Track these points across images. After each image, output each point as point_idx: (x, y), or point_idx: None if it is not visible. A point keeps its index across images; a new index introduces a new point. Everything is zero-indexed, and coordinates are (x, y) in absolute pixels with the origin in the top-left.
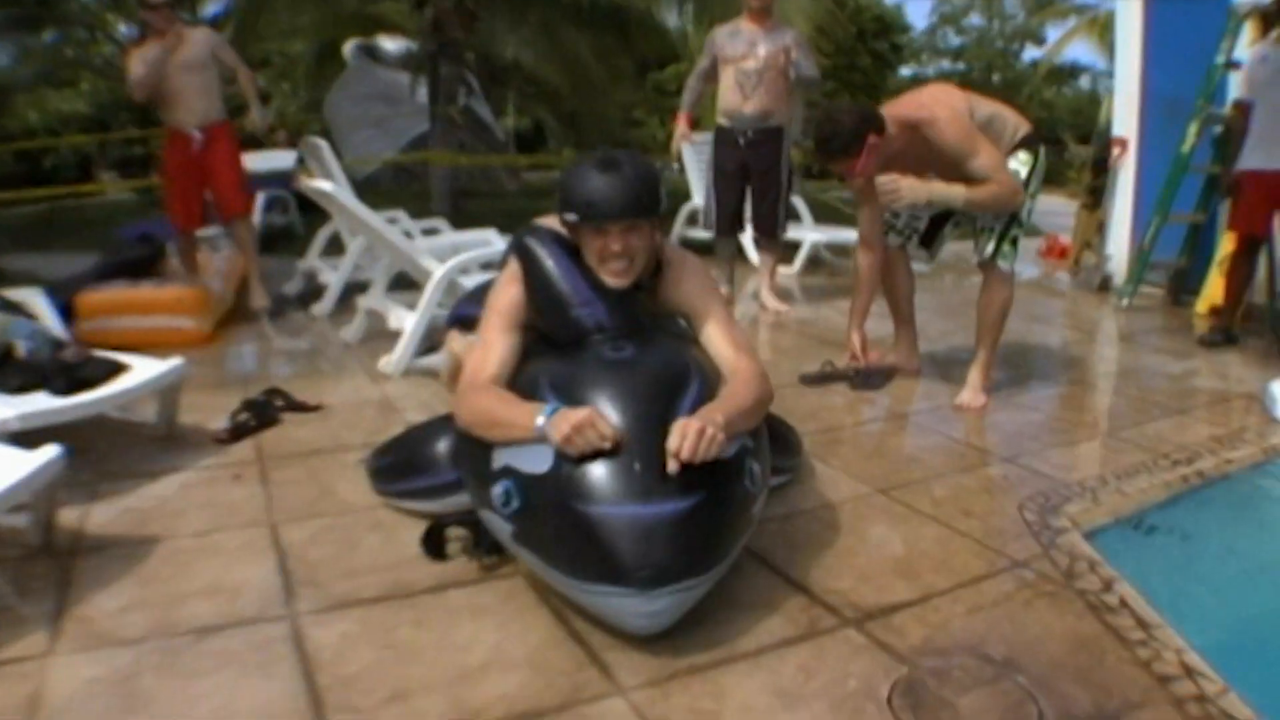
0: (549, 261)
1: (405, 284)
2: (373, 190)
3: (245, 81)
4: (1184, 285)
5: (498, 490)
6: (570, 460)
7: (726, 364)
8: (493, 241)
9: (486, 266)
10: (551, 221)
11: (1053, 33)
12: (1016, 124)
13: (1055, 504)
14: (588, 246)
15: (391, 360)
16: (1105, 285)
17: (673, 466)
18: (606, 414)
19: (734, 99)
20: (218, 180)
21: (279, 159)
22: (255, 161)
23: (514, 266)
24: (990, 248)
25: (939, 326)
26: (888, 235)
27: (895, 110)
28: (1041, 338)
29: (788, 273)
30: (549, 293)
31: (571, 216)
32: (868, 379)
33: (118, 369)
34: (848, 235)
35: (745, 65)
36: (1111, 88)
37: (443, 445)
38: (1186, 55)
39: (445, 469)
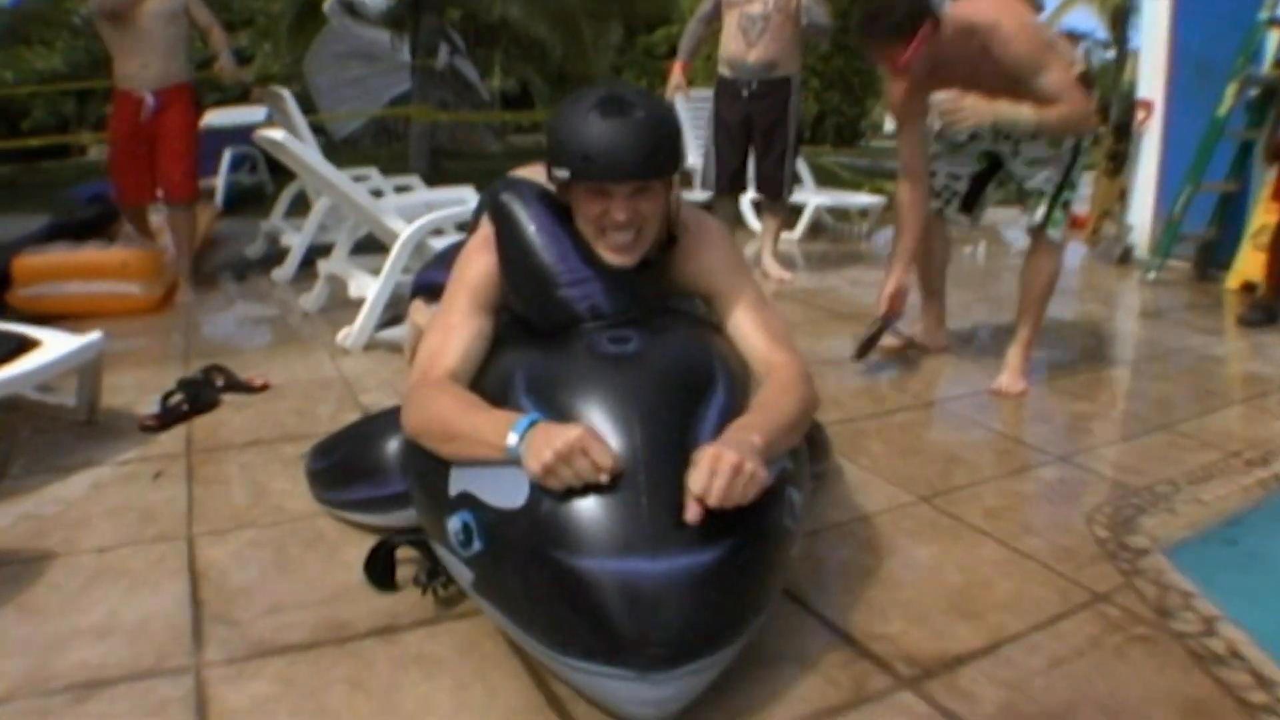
0: (530, 226)
1: (375, 247)
2: (352, 150)
3: (218, 43)
4: (1212, 258)
5: (454, 524)
6: (552, 494)
7: (759, 359)
8: (468, 200)
9: (462, 227)
10: (535, 172)
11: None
12: (1072, 59)
13: (1128, 516)
14: (583, 212)
15: (351, 333)
16: (1126, 257)
17: (693, 514)
18: (603, 431)
19: (737, 46)
20: (163, 154)
21: (247, 114)
22: (221, 117)
23: (485, 230)
24: (1041, 213)
25: (957, 298)
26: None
27: (952, 11)
28: (1068, 314)
29: (789, 238)
30: (529, 266)
31: (563, 173)
32: (868, 341)
33: (23, 345)
34: (852, 199)
35: (750, 9)
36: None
37: (392, 446)
38: (1219, 12)
39: (394, 477)
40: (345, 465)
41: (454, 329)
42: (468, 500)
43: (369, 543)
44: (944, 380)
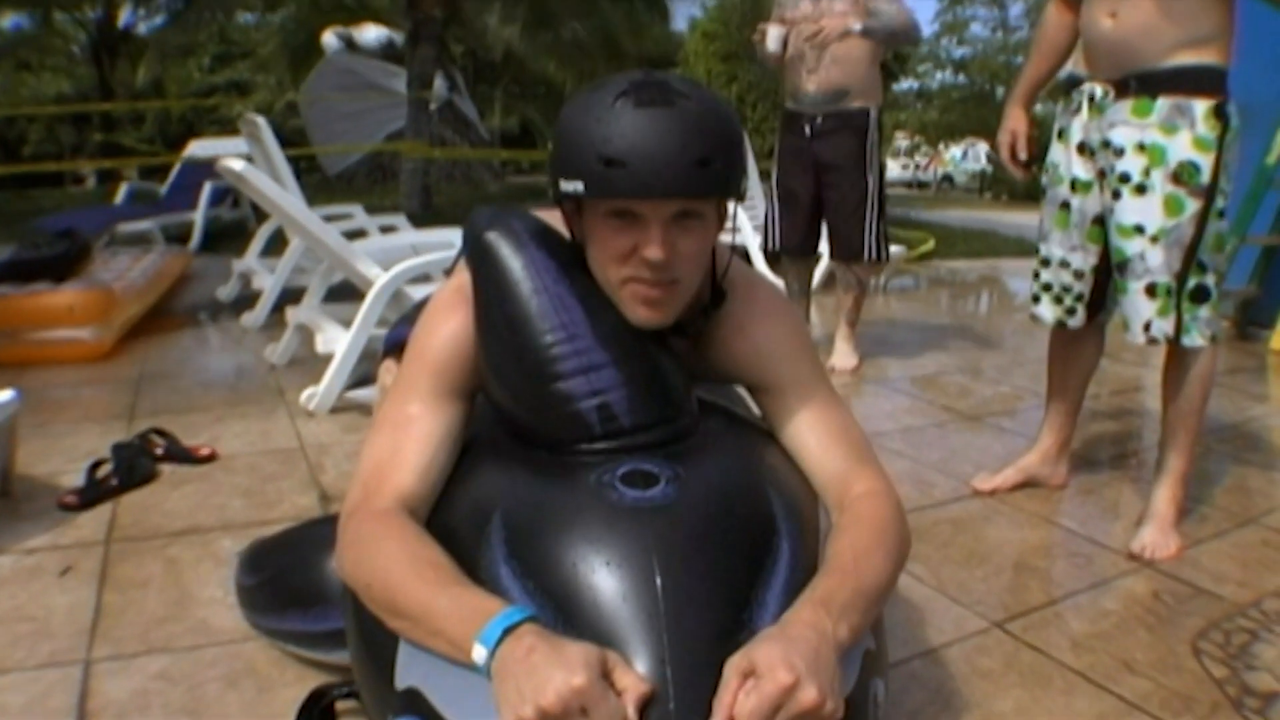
0: (523, 281)
1: (353, 294)
2: (346, 187)
3: None
4: (1252, 317)
5: None
6: None
7: (832, 482)
8: (456, 244)
9: (450, 274)
10: (552, 215)
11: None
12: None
13: (1242, 644)
14: (601, 248)
15: (316, 394)
16: None
17: None
18: (614, 631)
19: (795, 72)
20: None
21: (229, 146)
22: (202, 148)
23: (459, 279)
24: (1168, 322)
25: (994, 360)
26: (1043, 303)
27: None
28: (1104, 379)
29: None
30: (517, 342)
31: (573, 186)
32: None
33: None
34: None
35: (806, 29)
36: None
37: (335, 567)
38: (1262, 51)
39: (336, 606)
40: (278, 586)
41: (411, 426)
42: (418, 703)
43: (309, 681)
44: (995, 461)
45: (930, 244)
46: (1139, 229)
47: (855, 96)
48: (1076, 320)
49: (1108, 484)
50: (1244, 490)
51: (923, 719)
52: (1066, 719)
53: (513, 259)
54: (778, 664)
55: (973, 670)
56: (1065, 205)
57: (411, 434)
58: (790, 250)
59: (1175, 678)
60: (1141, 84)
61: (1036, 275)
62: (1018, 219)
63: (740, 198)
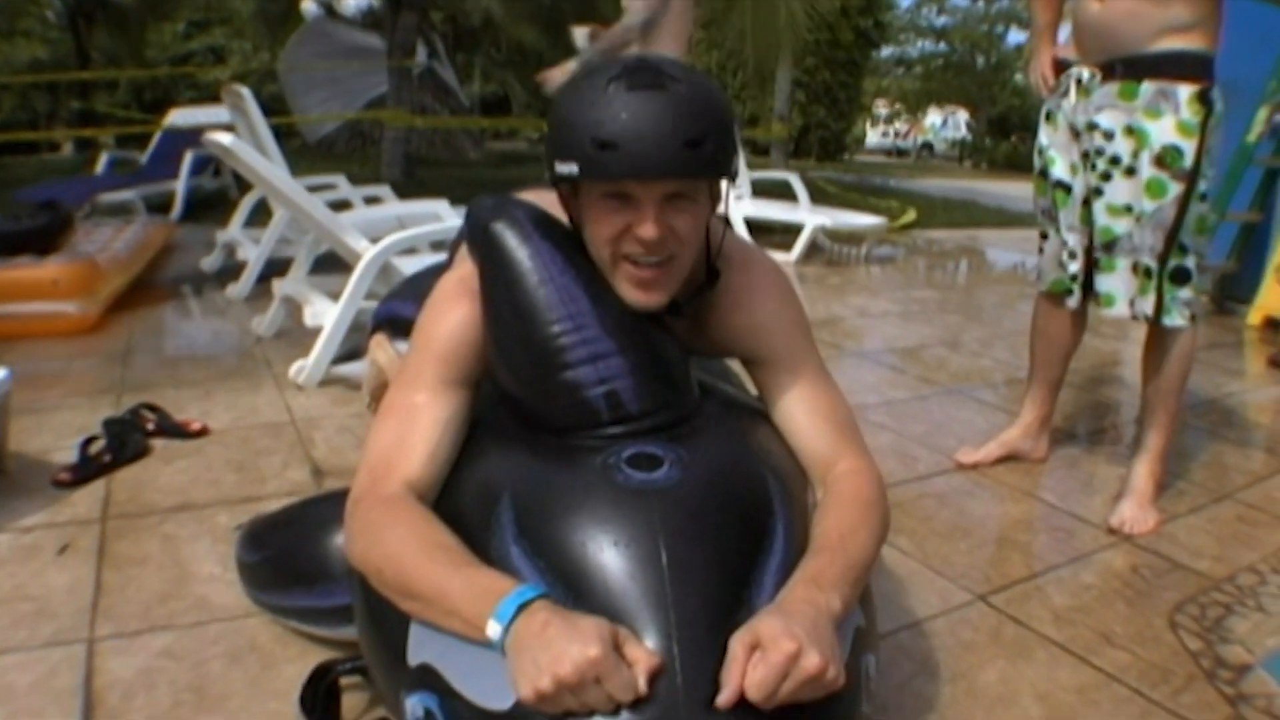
0: (531, 274)
1: (339, 264)
2: (326, 154)
3: None
4: (1231, 292)
5: (412, 705)
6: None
7: (819, 460)
8: (442, 215)
9: (437, 246)
10: (544, 199)
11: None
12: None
13: (1216, 617)
14: (596, 228)
15: (305, 367)
16: None
17: (728, 698)
18: (622, 608)
19: None
20: None
21: (210, 114)
22: (183, 116)
23: (465, 269)
24: (1149, 302)
25: (976, 333)
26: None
27: None
28: (1085, 353)
29: (785, 259)
30: (525, 333)
31: (568, 169)
32: None
33: None
34: (854, 220)
35: None
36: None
37: (339, 544)
38: (1247, 31)
39: (342, 585)
40: (281, 563)
41: (418, 413)
42: (432, 678)
43: (311, 657)
44: (977, 434)
45: (912, 215)
46: (1128, 209)
47: None
48: (1074, 300)
49: (1088, 458)
50: (1220, 466)
51: (910, 690)
52: (1048, 690)
53: (518, 249)
54: (780, 635)
55: (957, 642)
56: (1059, 185)
57: (418, 421)
58: None
59: (1152, 650)
60: (1127, 68)
61: (1042, 251)
62: (998, 189)
63: (732, 178)
